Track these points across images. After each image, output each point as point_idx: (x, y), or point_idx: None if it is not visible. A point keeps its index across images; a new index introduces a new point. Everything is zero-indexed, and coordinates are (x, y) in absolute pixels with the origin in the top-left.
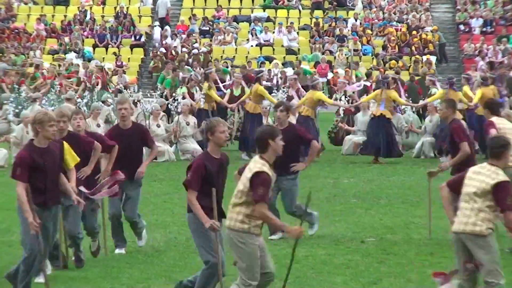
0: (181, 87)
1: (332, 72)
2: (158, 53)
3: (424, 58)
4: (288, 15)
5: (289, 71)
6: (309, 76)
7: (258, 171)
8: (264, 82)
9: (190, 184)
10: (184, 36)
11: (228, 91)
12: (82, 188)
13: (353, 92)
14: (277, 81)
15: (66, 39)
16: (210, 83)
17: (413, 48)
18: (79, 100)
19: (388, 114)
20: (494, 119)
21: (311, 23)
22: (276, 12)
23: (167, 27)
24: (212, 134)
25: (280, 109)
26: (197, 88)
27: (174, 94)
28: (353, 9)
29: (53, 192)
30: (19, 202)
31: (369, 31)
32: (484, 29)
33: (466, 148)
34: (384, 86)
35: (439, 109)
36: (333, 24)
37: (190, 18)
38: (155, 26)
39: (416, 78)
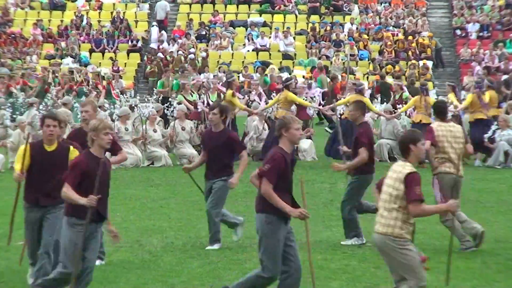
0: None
1: (329, 77)
2: (155, 58)
3: (421, 63)
4: (284, 20)
5: (286, 76)
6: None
7: (410, 172)
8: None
9: (268, 175)
10: (180, 41)
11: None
12: None
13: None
14: None
15: (63, 44)
16: (234, 91)
17: (410, 53)
18: (76, 105)
19: (429, 120)
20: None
21: (307, 28)
22: (272, 17)
23: (163, 32)
24: (286, 130)
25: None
26: (209, 95)
27: (171, 99)
28: (350, 14)
29: (105, 205)
30: (67, 198)
31: (365, 36)
32: (481, 34)
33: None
34: (424, 93)
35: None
36: (328, 28)
37: (186, 23)
38: (153, 26)
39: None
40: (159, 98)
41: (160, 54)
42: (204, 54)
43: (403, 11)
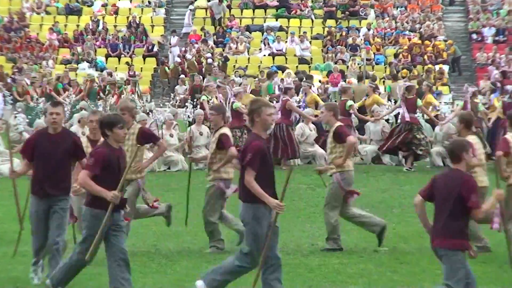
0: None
1: (345, 81)
2: (173, 62)
3: (437, 67)
4: (300, 24)
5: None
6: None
7: None
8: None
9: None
10: (197, 45)
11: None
12: None
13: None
14: None
15: (79, 48)
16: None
17: (426, 57)
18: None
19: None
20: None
21: (323, 33)
22: (288, 21)
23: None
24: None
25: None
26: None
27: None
28: (366, 19)
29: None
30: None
31: (379, 40)
32: (497, 38)
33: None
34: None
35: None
36: (344, 33)
37: (202, 28)
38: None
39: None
40: (176, 103)
41: (177, 59)
42: (223, 59)
43: (419, 16)
